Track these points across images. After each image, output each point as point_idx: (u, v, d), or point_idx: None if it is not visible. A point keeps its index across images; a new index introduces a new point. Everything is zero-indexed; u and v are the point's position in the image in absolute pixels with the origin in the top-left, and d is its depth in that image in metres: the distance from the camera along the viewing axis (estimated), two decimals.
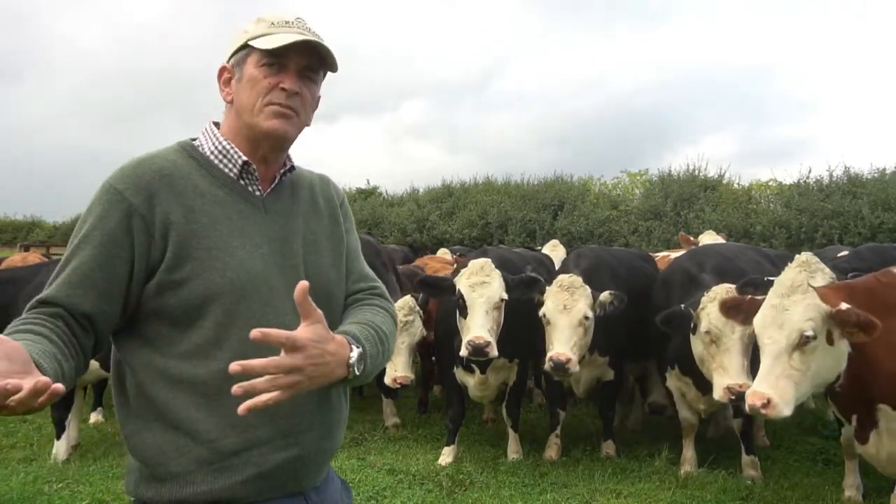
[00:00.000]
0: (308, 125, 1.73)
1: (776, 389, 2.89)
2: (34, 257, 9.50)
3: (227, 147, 1.65)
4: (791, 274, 3.13)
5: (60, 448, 5.25)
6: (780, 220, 12.50)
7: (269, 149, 1.67)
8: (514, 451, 5.36)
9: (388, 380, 5.33)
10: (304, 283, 1.38)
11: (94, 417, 6.39)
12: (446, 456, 5.23)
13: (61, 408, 5.23)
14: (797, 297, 3.02)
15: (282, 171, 1.73)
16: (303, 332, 1.39)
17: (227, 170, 1.65)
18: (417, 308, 5.58)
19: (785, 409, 2.89)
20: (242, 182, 1.66)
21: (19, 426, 6.24)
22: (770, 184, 15.54)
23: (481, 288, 4.67)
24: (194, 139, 1.71)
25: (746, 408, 2.92)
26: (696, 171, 15.61)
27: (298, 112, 1.65)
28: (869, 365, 3.07)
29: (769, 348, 2.99)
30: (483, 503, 4.43)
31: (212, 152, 1.66)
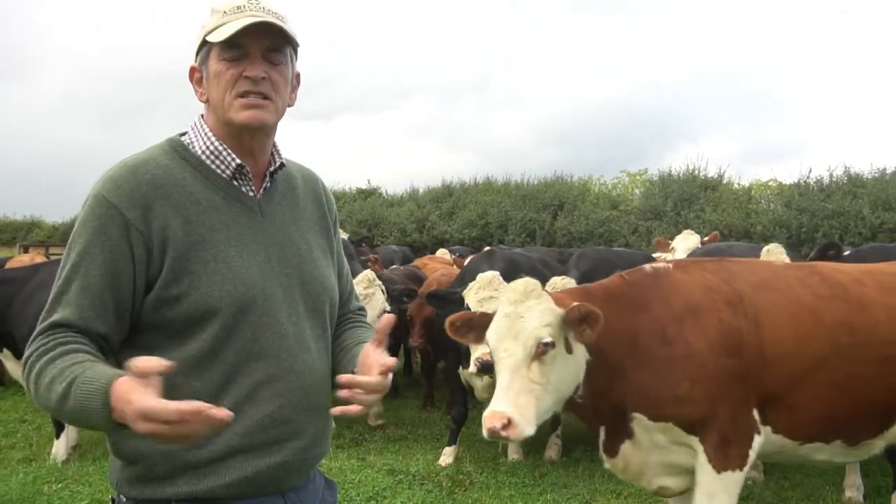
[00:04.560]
0: (291, 105, 1.70)
1: (517, 407, 2.54)
2: (39, 258, 9.48)
3: (220, 148, 1.62)
4: (523, 280, 2.84)
5: (60, 448, 5.24)
6: (780, 220, 12.49)
7: (251, 140, 1.64)
8: (514, 451, 5.36)
9: None
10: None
11: None
12: (447, 456, 5.23)
13: None
14: (531, 302, 2.72)
15: (272, 169, 1.70)
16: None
17: (219, 171, 1.62)
18: (378, 282, 5.57)
19: (527, 429, 2.53)
20: (236, 183, 1.64)
21: (19, 426, 6.25)
22: (770, 184, 15.55)
23: (489, 303, 4.56)
24: (183, 134, 1.68)
25: (485, 433, 2.52)
26: (696, 171, 15.59)
27: (270, 97, 1.60)
28: (617, 374, 2.86)
29: (505, 362, 2.64)
30: (483, 503, 4.43)
31: (203, 152, 1.62)
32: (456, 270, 7.34)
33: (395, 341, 6.34)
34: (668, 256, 7.87)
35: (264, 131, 1.65)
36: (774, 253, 5.03)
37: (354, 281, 5.37)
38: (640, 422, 2.91)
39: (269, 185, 1.70)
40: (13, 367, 5.52)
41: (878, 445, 3.27)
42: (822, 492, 4.45)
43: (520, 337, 2.66)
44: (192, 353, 1.51)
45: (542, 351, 2.64)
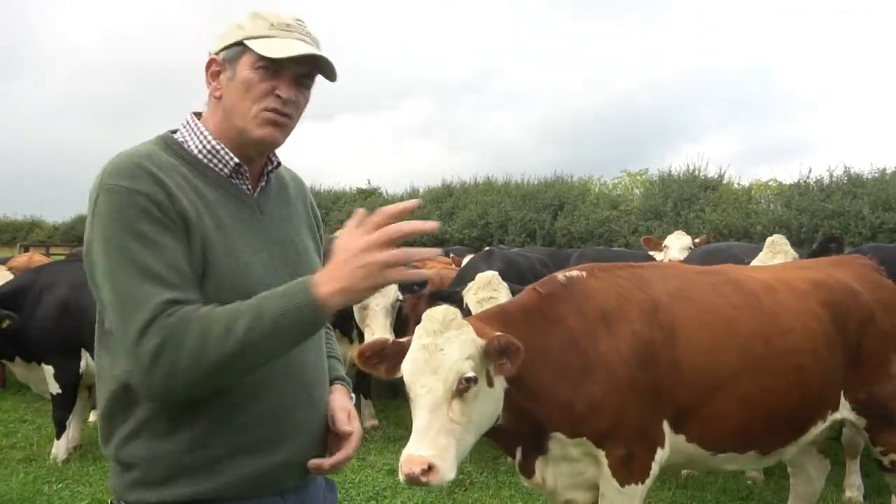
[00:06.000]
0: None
1: (437, 449, 2.31)
2: (38, 257, 9.50)
3: (218, 147, 1.59)
4: (442, 307, 2.61)
5: (60, 448, 5.24)
6: (780, 220, 12.50)
7: (255, 152, 1.63)
8: None
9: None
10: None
11: (94, 417, 6.38)
12: None
13: (63, 408, 5.22)
14: (451, 333, 2.47)
15: (269, 168, 1.70)
16: (349, 431, 1.64)
17: (217, 169, 1.60)
18: None
19: (449, 474, 2.30)
20: (234, 181, 1.62)
21: (19, 426, 6.25)
22: (770, 184, 15.57)
23: (489, 304, 4.65)
24: (174, 131, 1.64)
25: (403, 478, 2.28)
26: (696, 171, 15.62)
27: (292, 118, 1.61)
28: (535, 392, 2.71)
29: (424, 399, 2.40)
30: (483, 503, 4.43)
31: (200, 151, 1.60)
32: (449, 271, 7.35)
33: None
34: (660, 255, 7.84)
35: (271, 150, 1.66)
36: (779, 244, 5.05)
37: None
38: (558, 440, 2.80)
39: (264, 183, 1.69)
40: (22, 373, 5.53)
41: (789, 452, 3.28)
42: (823, 492, 4.44)
43: (439, 371, 2.42)
44: None
45: (463, 387, 2.40)
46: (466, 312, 4.70)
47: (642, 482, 2.86)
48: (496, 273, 4.87)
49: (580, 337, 2.79)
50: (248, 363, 1.41)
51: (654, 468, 2.89)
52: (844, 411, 3.25)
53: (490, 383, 2.54)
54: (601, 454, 2.80)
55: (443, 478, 2.30)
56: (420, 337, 2.52)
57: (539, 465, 2.86)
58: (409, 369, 2.48)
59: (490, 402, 2.57)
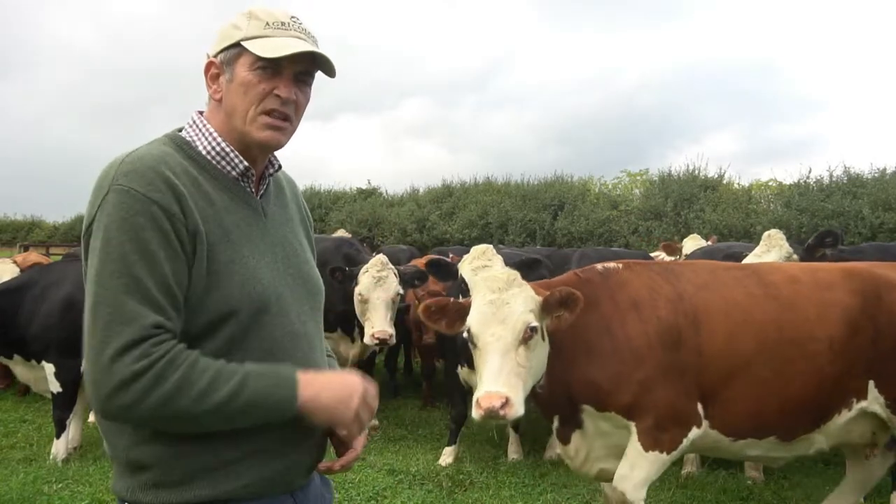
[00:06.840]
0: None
1: (510, 388, 2.65)
2: (35, 257, 9.50)
3: (227, 149, 1.60)
4: (502, 269, 2.98)
5: (59, 448, 5.23)
6: (780, 220, 12.50)
7: (259, 153, 1.64)
8: (514, 451, 5.36)
9: (367, 338, 5.42)
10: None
11: (94, 417, 6.38)
12: (447, 456, 5.23)
13: (63, 407, 5.22)
14: (514, 290, 2.84)
15: (271, 171, 1.70)
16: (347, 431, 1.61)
17: (226, 171, 1.61)
18: (390, 265, 5.62)
19: (520, 409, 2.65)
20: (241, 184, 1.63)
21: (19, 426, 6.24)
22: (770, 184, 15.59)
23: (483, 271, 4.74)
24: (180, 130, 1.64)
25: (479, 413, 2.61)
26: (696, 171, 15.63)
27: (291, 119, 1.61)
28: (569, 366, 3.01)
29: (494, 346, 2.73)
30: (483, 503, 4.43)
31: (209, 153, 1.60)
32: None
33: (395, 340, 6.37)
34: (670, 259, 7.85)
35: (274, 152, 1.67)
36: (775, 238, 5.15)
37: (368, 264, 5.49)
38: (588, 412, 3.07)
39: (265, 186, 1.70)
40: (22, 372, 5.52)
41: (817, 440, 3.30)
42: (822, 492, 4.43)
43: (507, 321, 2.76)
44: (207, 355, 1.47)
45: (528, 335, 2.76)
46: (461, 282, 4.79)
47: (667, 452, 3.05)
48: (490, 246, 5.00)
49: (611, 321, 3.06)
50: (210, 424, 1.44)
51: (685, 443, 3.07)
52: (876, 405, 3.24)
53: (543, 336, 2.90)
54: (632, 424, 3.04)
55: (517, 412, 2.64)
56: (485, 294, 2.87)
57: (576, 438, 3.15)
58: (477, 321, 2.83)
59: (542, 354, 2.93)
